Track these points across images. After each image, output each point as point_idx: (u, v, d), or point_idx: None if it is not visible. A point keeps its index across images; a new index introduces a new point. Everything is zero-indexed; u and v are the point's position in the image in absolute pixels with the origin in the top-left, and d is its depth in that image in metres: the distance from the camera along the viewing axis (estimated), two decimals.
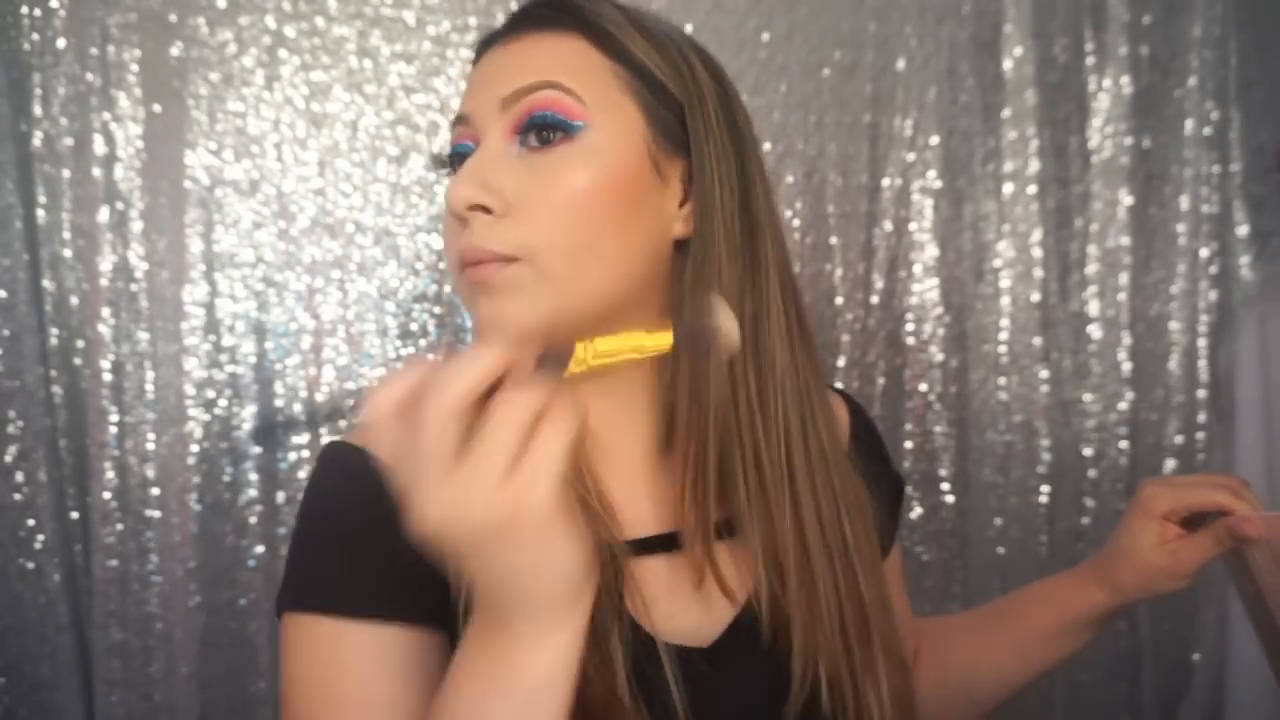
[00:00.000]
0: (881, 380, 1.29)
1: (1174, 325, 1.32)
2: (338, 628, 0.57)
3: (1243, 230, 1.31)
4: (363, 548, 0.58)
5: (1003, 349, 1.29)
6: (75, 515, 1.15)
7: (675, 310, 0.63)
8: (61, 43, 1.10)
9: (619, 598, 0.59)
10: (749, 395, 0.63)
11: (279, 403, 1.16)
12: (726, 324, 0.56)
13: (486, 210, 0.58)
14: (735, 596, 0.63)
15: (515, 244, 0.57)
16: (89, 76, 1.11)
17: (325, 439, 1.17)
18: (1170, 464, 1.32)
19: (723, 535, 0.63)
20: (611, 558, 0.60)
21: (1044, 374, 1.29)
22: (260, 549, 1.16)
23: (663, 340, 0.51)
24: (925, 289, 1.28)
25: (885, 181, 1.27)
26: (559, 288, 0.58)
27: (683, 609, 0.62)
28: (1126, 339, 1.30)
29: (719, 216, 0.63)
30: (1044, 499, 1.29)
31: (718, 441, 0.62)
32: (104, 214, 1.12)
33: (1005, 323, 1.29)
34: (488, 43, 0.65)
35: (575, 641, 0.46)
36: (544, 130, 0.59)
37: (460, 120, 0.62)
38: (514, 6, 1.17)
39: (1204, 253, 1.31)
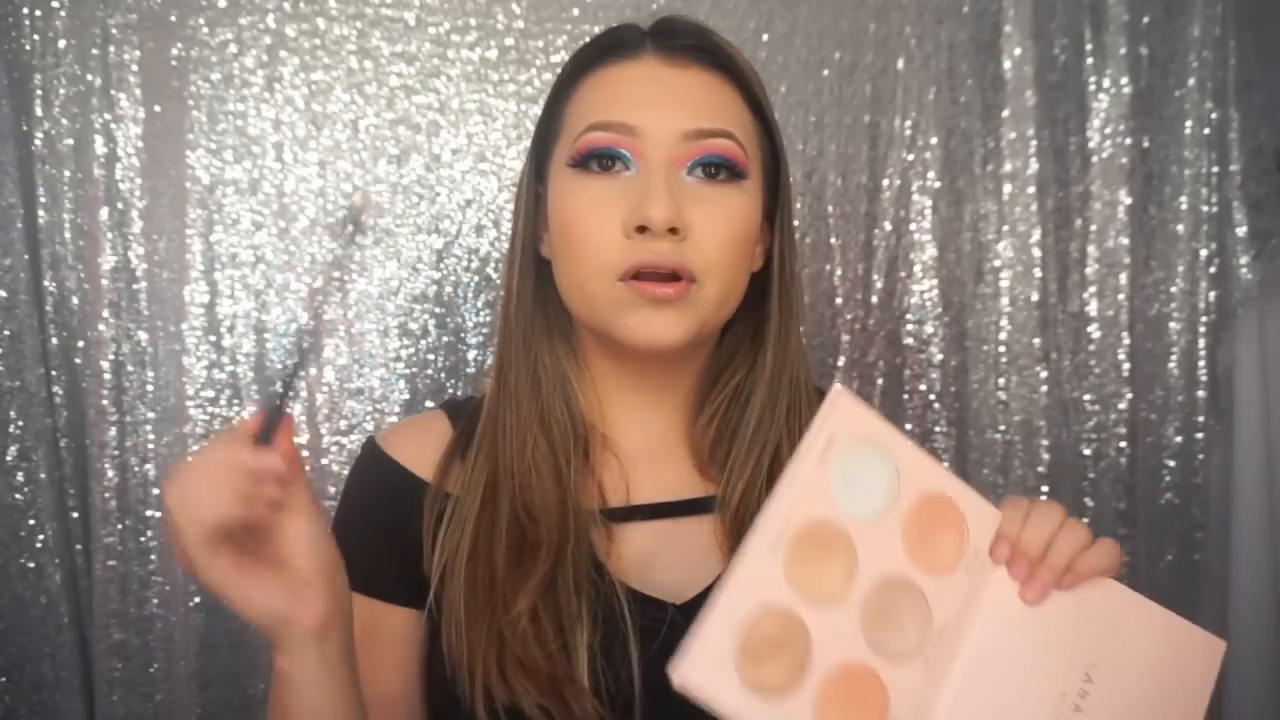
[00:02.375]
0: (881, 380, 1.29)
1: (1173, 325, 1.32)
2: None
3: (1242, 230, 1.31)
4: (374, 540, 0.71)
5: (1002, 349, 1.29)
6: (75, 515, 1.15)
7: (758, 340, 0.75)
8: (62, 43, 1.10)
9: (597, 570, 0.68)
10: (773, 385, 0.74)
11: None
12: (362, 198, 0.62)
13: (675, 232, 0.65)
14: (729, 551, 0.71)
15: (697, 266, 0.66)
16: (89, 77, 1.11)
17: (328, 440, 1.17)
18: (1170, 464, 1.33)
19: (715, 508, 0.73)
20: (591, 532, 0.69)
21: (1043, 374, 1.29)
22: None
23: None
24: (925, 289, 1.28)
25: (885, 182, 1.27)
26: (709, 311, 0.69)
27: (669, 568, 0.71)
28: (1126, 339, 1.30)
29: (794, 254, 0.75)
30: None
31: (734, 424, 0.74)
32: (104, 214, 1.12)
33: (1005, 323, 1.29)
34: (627, 48, 0.71)
35: (311, 664, 0.55)
36: (711, 168, 0.68)
37: (624, 129, 0.68)
38: (515, 9, 1.18)
39: (1203, 253, 1.31)
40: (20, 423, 1.12)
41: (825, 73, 1.25)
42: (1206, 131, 1.30)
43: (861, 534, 0.60)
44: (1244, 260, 1.31)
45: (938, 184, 1.27)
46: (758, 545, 0.58)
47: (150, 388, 1.14)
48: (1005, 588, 0.62)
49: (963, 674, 0.60)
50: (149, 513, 1.14)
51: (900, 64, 1.26)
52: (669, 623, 0.66)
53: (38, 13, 1.10)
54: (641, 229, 0.65)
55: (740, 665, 0.55)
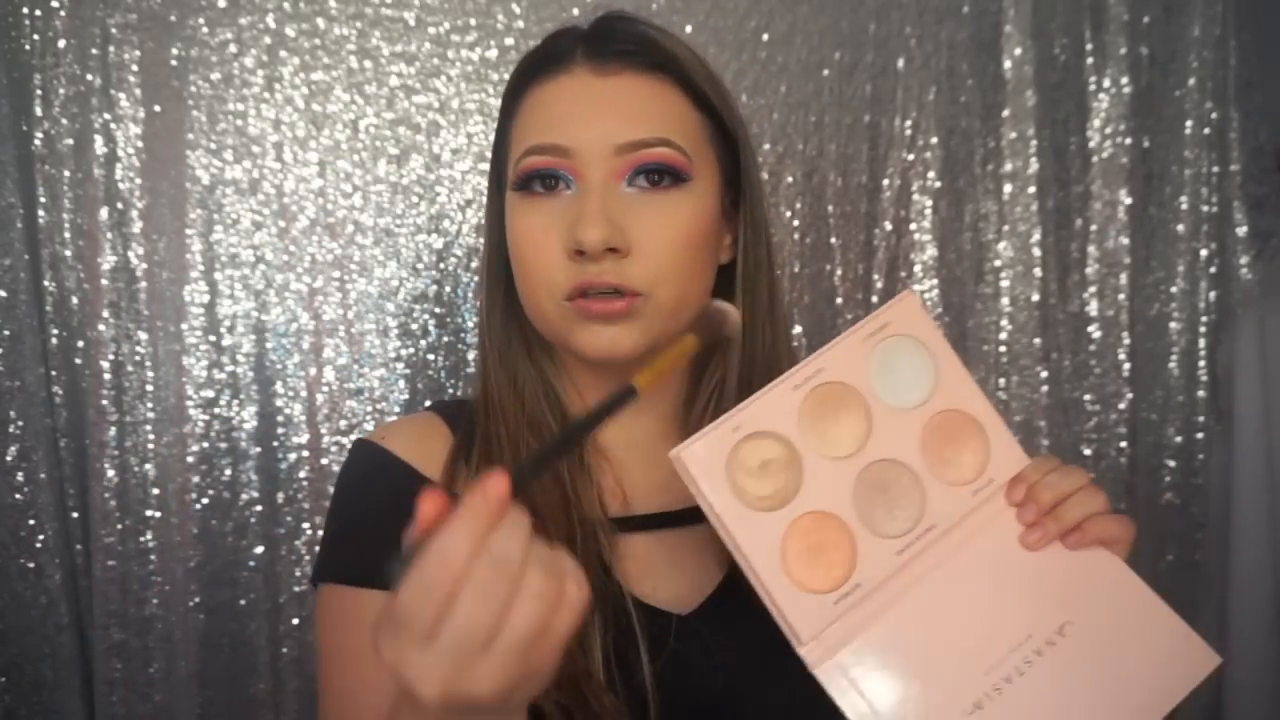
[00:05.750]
0: None
1: (1173, 325, 1.32)
2: (358, 595, 0.66)
3: (1242, 230, 1.31)
4: (380, 529, 0.64)
5: (1002, 349, 1.29)
6: (75, 515, 1.15)
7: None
8: (62, 43, 1.10)
9: (605, 572, 0.67)
10: (744, 378, 0.73)
11: (279, 402, 1.16)
12: (731, 311, 0.64)
13: (615, 250, 0.64)
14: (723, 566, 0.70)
15: (642, 281, 0.65)
16: (89, 77, 1.11)
17: (328, 440, 1.17)
18: (1170, 464, 1.33)
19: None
20: (597, 536, 0.68)
21: (1043, 374, 1.29)
22: (260, 549, 1.17)
23: (687, 343, 0.59)
24: (925, 289, 1.28)
25: (885, 182, 1.27)
26: (664, 318, 0.67)
27: (670, 579, 0.70)
28: (1126, 339, 1.30)
29: (762, 243, 0.73)
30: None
31: None
32: (104, 214, 1.12)
33: (1005, 323, 1.29)
34: (559, 62, 0.70)
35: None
36: (654, 174, 0.67)
37: (558, 151, 0.67)
38: (515, 9, 1.18)
39: (1203, 253, 1.31)
40: (20, 423, 1.12)
41: (825, 73, 1.25)
42: (1206, 131, 1.30)
43: (882, 416, 0.64)
44: (1244, 260, 1.31)
45: (938, 184, 1.27)
46: (786, 381, 0.62)
47: (150, 388, 1.14)
48: (1009, 526, 0.64)
49: (940, 579, 0.62)
50: (149, 513, 1.14)
51: (900, 64, 1.26)
52: (675, 633, 0.65)
53: (38, 13, 1.10)
54: (580, 251, 0.65)
55: (731, 469, 0.60)
